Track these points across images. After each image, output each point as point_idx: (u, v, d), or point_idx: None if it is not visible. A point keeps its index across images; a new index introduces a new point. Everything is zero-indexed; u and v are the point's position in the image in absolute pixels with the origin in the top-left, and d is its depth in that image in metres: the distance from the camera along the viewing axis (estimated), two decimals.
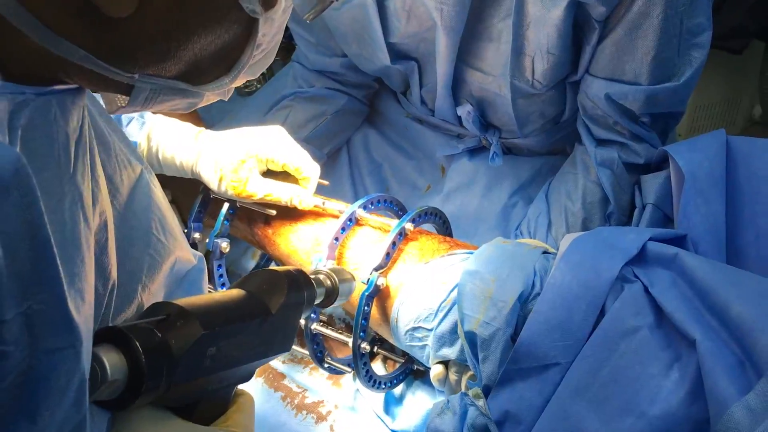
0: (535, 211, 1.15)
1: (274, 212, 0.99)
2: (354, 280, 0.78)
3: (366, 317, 0.87)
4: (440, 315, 0.85)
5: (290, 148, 0.97)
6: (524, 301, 0.80)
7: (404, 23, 1.08)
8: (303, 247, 0.97)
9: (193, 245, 1.02)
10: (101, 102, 0.55)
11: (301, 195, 0.96)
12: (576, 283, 0.76)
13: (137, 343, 0.48)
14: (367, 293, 0.86)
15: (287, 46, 1.70)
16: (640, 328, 0.72)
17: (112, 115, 0.90)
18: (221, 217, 1.00)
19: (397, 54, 1.15)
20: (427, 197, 1.27)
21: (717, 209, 0.87)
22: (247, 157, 0.94)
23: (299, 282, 0.65)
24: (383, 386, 0.94)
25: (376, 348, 1.01)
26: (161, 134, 0.95)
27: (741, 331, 0.66)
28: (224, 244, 1.00)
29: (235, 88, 1.65)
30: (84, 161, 0.48)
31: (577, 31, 1.00)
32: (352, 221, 0.93)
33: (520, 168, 1.25)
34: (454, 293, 0.84)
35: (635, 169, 1.10)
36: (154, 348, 0.48)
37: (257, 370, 1.04)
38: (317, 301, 0.71)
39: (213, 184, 0.95)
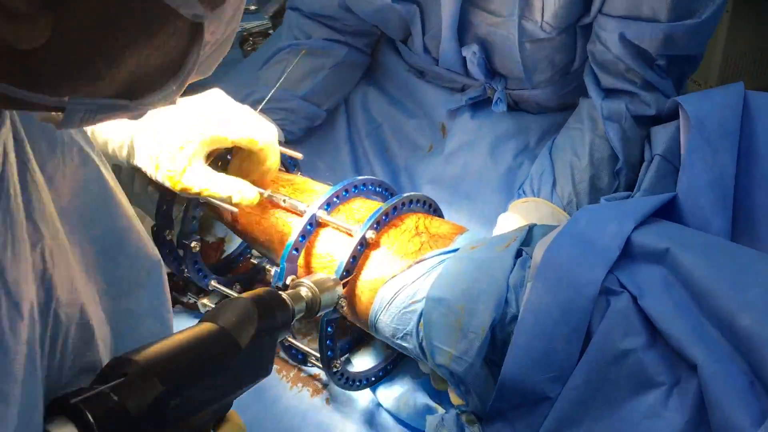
0: (539, 169, 1.09)
1: (236, 210, 0.90)
2: (339, 284, 0.73)
3: (330, 338, 0.82)
4: (416, 337, 0.79)
5: (236, 119, 0.86)
6: (501, 324, 0.72)
7: None
8: (273, 247, 0.92)
9: (166, 244, 0.97)
10: None
11: (242, 190, 0.85)
12: (555, 306, 0.68)
13: (89, 416, 0.46)
14: (326, 319, 0.81)
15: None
16: (632, 352, 0.64)
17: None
18: (185, 217, 0.94)
19: None
20: (429, 158, 1.21)
21: (725, 161, 0.80)
22: (185, 142, 0.83)
23: (271, 306, 0.62)
24: (365, 383, 0.91)
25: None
26: None
27: (751, 347, 0.57)
28: (193, 244, 0.95)
29: (239, 47, 1.52)
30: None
31: None
32: (313, 226, 0.85)
33: (526, 126, 1.19)
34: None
35: (645, 122, 1.04)
36: (109, 415, 0.47)
37: None
38: (298, 317, 0.67)
39: (151, 175, 0.85)
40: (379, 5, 1.11)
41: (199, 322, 0.58)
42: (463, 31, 1.09)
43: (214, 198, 0.86)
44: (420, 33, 1.14)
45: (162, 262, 0.63)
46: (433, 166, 1.19)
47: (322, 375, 0.97)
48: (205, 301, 1.01)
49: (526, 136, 1.18)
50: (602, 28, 0.99)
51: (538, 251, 0.71)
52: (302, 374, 0.97)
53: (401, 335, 0.80)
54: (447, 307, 0.74)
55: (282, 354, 0.99)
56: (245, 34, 1.74)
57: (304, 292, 0.69)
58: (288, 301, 0.65)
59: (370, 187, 0.90)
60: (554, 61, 1.10)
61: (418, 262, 0.80)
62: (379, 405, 0.92)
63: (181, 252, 0.97)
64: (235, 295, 0.97)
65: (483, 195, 1.13)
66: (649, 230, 0.69)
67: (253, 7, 1.85)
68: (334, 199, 0.86)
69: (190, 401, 0.52)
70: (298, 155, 0.95)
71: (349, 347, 0.98)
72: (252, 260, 1.10)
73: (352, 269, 0.81)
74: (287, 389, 0.95)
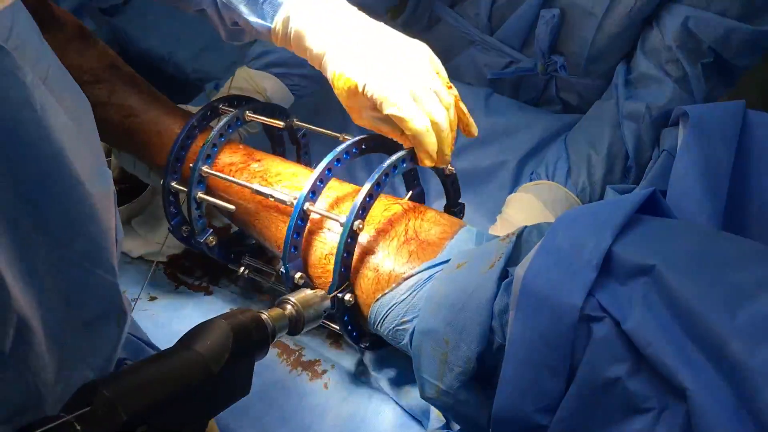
0: (554, 156, 1.11)
1: (233, 207, 0.92)
2: (327, 299, 0.76)
3: (351, 323, 0.85)
4: (411, 351, 0.79)
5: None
6: (488, 353, 0.71)
7: None
8: (272, 247, 0.93)
9: (186, 239, 1.00)
10: None
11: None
12: (537, 336, 0.65)
13: None
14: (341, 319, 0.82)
15: None
16: (620, 379, 0.62)
17: None
18: (190, 217, 0.95)
19: None
20: None
21: (721, 156, 0.80)
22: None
23: (249, 329, 0.63)
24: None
25: None
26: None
27: (739, 375, 0.55)
28: (210, 239, 0.97)
29: None
30: None
31: None
32: (304, 221, 0.83)
33: (539, 125, 1.20)
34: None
35: (660, 125, 1.05)
36: None
37: None
38: (280, 335, 0.69)
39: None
40: None
41: (176, 344, 0.59)
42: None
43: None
44: (490, 1, 1.17)
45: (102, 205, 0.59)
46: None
47: (323, 361, 0.98)
48: (240, 271, 1.01)
49: (538, 134, 1.18)
50: (669, 12, 1.03)
51: (519, 273, 0.68)
52: (303, 359, 0.99)
53: (399, 345, 0.81)
54: (434, 339, 0.73)
55: (284, 340, 1.00)
56: None
57: (288, 310, 0.71)
58: (268, 323, 0.66)
59: (354, 150, 0.86)
60: (617, 51, 1.12)
61: (406, 278, 0.79)
62: (378, 389, 0.94)
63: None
64: (268, 272, 1.00)
65: (490, 190, 1.14)
66: (632, 240, 0.66)
67: None
68: (318, 184, 0.83)
69: (159, 427, 0.53)
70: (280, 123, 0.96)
71: None
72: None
73: (348, 269, 0.80)
74: (286, 372, 0.97)
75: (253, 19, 0.86)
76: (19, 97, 0.52)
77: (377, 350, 0.90)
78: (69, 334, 0.56)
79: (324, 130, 0.95)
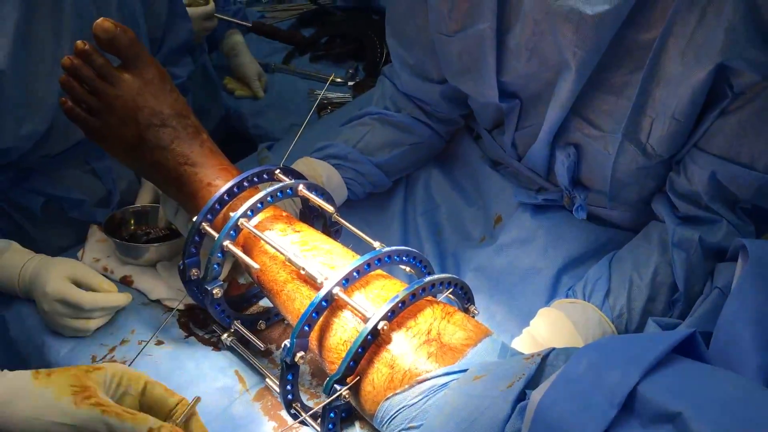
0: (596, 275, 1.04)
1: (257, 266, 0.90)
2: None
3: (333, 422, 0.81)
4: None
5: None
6: None
7: (523, 62, 1.01)
8: (290, 321, 0.90)
9: (193, 282, 0.98)
10: None
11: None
12: None
13: None
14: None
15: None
16: None
17: None
18: (208, 263, 0.93)
19: (501, 92, 1.09)
20: (480, 248, 1.18)
21: None
22: None
23: None
24: None
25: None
26: None
27: None
28: (216, 290, 0.94)
29: (317, 113, 1.57)
30: None
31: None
32: (328, 302, 0.80)
33: (585, 237, 1.14)
34: None
35: (714, 257, 0.98)
36: None
37: (254, 396, 0.98)
38: None
39: None
40: (482, 102, 1.12)
41: None
42: (557, 134, 1.07)
43: None
44: (513, 128, 1.14)
45: None
46: (481, 255, 1.16)
47: None
48: (224, 336, 1.01)
49: (583, 245, 1.13)
50: (693, 161, 0.95)
51: (535, 398, 0.62)
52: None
53: None
54: None
55: (282, 413, 0.95)
56: (325, 101, 1.79)
57: None
58: None
59: (396, 258, 0.84)
60: (644, 187, 1.06)
61: (420, 381, 0.74)
62: None
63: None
64: (258, 343, 0.98)
65: (525, 294, 1.09)
66: (661, 380, 0.60)
67: (339, 79, 1.92)
68: (354, 275, 0.81)
69: None
70: (330, 208, 0.93)
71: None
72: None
73: (358, 359, 0.77)
74: None
75: None
76: None
77: None
78: None
79: (360, 233, 0.92)
